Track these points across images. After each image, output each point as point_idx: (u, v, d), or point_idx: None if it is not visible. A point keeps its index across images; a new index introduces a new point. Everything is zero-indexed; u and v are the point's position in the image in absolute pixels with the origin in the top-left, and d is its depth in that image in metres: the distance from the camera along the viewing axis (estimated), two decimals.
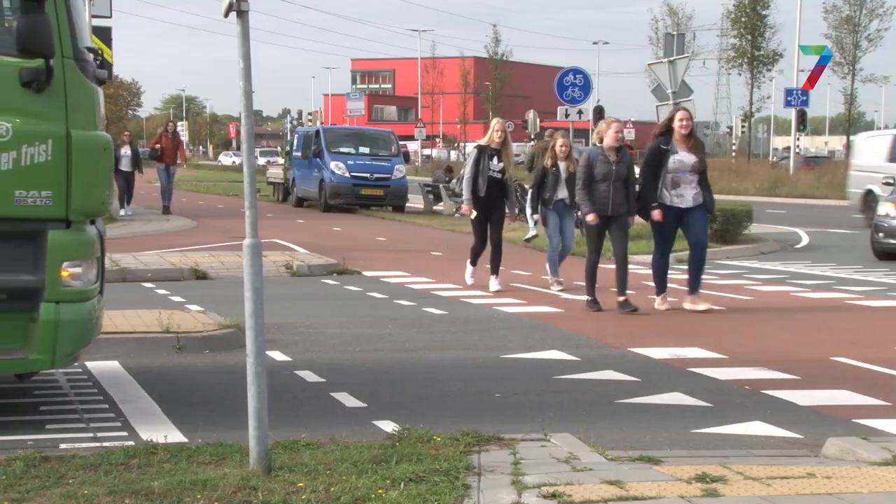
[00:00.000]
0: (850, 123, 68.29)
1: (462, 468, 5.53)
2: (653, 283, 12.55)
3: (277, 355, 9.33)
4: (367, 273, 16.31)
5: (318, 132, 33.83)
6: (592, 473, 5.44)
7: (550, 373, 8.80)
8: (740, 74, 59.59)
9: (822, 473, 5.47)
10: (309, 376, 8.56)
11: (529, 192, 22.15)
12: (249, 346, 5.57)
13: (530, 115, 38.91)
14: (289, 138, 43.19)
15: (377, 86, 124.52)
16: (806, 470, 5.53)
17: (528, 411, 7.45)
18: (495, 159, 13.99)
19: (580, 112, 22.95)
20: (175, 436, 6.58)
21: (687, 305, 12.25)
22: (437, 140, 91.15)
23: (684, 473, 5.44)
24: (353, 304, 13.02)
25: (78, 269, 6.60)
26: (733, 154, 69.53)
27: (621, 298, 12.05)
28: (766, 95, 62.56)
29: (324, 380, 8.45)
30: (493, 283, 14.13)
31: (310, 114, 77.55)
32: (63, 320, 6.54)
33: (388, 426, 6.80)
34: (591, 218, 12.17)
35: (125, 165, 27.31)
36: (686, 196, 12.05)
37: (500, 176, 14.04)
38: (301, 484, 5.29)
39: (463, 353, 9.76)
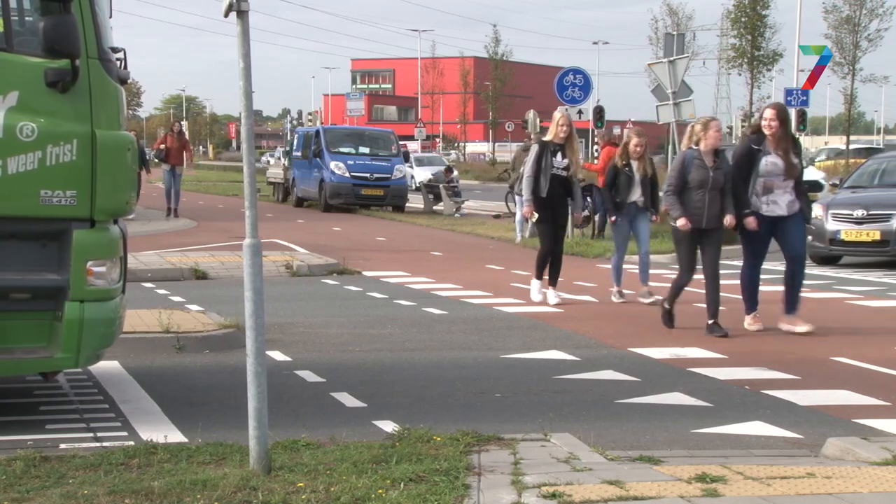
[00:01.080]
0: (850, 123, 68.29)
1: (462, 468, 5.53)
2: (743, 299, 11.24)
3: (277, 355, 9.34)
4: (367, 273, 16.31)
5: (318, 132, 33.84)
6: (592, 473, 5.45)
7: (550, 373, 8.80)
8: (740, 74, 59.58)
9: (822, 473, 5.47)
10: (309, 376, 8.56)
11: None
12: (249, 345, 5.57)
13: (530, 115, 38.89)
14: (289, 138, 43.19)
15: (377, 86, 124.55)
16: (806, 470, 5.54)
17: (528, 411, 7.45)
18: (559, 155, 12.79)
19: (580, 112, 22.94)
20: (175, 436, 6.58)
21: (784, 326, 10.90)
22: (437, 140, 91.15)
23: (684, 473, 5.45)
24: (353, 304, 13.02)
25: (102, 269, 6.66)
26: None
27: (711, 321, 10.75)
28: (766, 95, 62.47)
29: (324, 380, 8.45)
30: (552, 296, 12.95)
31: (310, 114, 77.53)
32: (88, 319, 6.60)
33: (388, 426, 6.81)
34: (682, 223, 10.77)
35: None
36: (780, 203, 10.74)
37: (564, 174, 12.83)
38: (301, 484, 5.29)
39: (463, 353, 9.76)
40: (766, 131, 10.71)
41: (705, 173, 10.75)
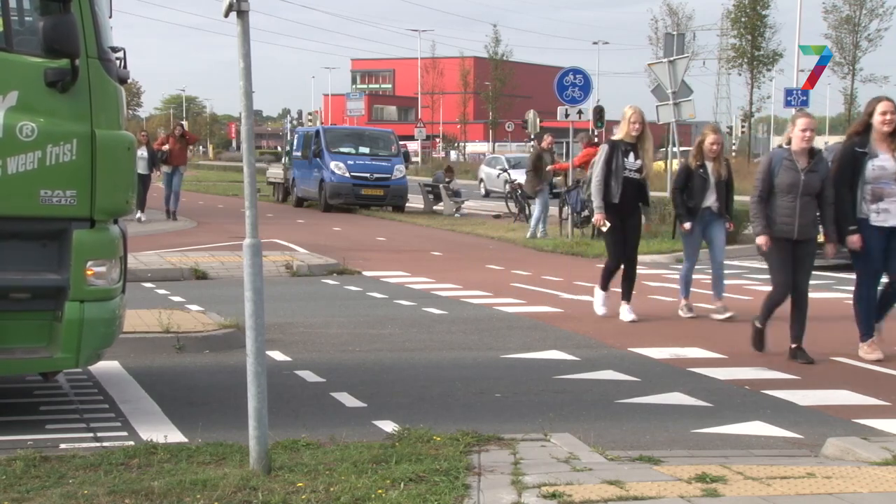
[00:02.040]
0: (850, 123, 68.31)
1: (462, 468, 5.53)
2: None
3: (277, 355, 9.34)
4: (366, 273, 16.31)
5: (317, 132, 33.84)
6: (592, 473, 5.45)
7: (550, 373, 8.80)
8: (740, 74, 59.64)
9: (822, 473, 5.47)
10: (309, 376, 8.56)
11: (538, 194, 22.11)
12: (249, 345, 5.57)
13: (530, 115, 38.86)
14: (289, 138, 43.18)
15: (377, 86, 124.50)
16: (806, 470, 5.54)
17: (528, 411, 7.45)
18: (631, 156, 11.60)
19: (580, 112, 22.91)
20: (175, 436, 6.58)
21: (863, 353, 9.54)
22: (437, 140, 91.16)
23: (684, 473, 5.45)
24: (352, 304, 13.02)
25: (102, 269, 6.66)
26: (733, 154, 69.54)
27: (794, 345, 9.53)
28: (766, 95, 62.77)
29: (324, 380, 8.45)
30: (626, 312, 11.79)
31: (310, 114, 77.49)
32: (88, 319, 6.60)
33: (387, 426, 6.81)
34: (761, 241, 9.51)
35: (141, 168, 25.09)
36: (892, 211, 9.29)
37: (637, 176, 11.65)
38: (301, 484, 5.30)
39: (463, 353, 9.76)
40: (886, 128, 9.24)
41: (795, 176, 9.41)
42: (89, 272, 6.60)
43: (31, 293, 6.61)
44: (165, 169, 27.29)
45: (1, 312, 6.54)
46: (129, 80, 7.17)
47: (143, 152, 25.14)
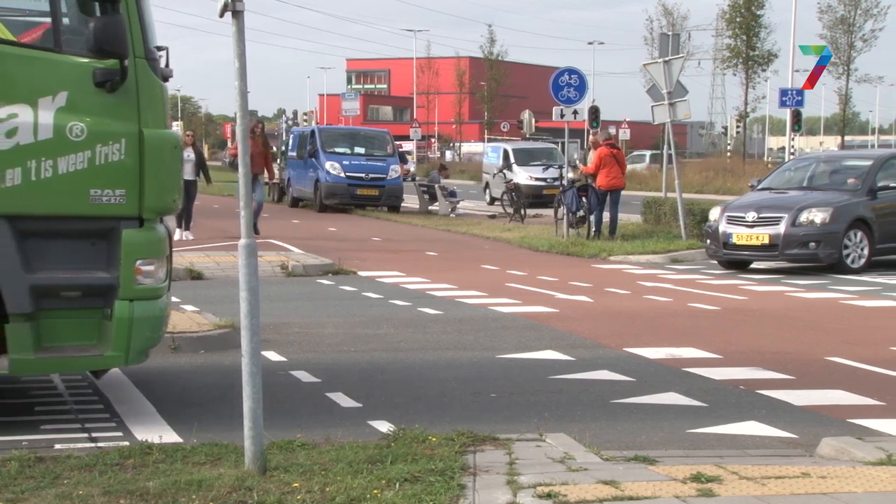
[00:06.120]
0: (845, 124, 68.36)
1: (457, 468, 5.54)
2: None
3: (273, 355, 9.33)
4: (362, 273, 16.31)
5: (313, 132, 33.82)
6: (588, 473, 5.45)
7: (546, 373, 8.81)
8: (735, 75, 59.55)
9: (817, 473, 5.48)
10: (304, 376, 8.56)
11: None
12: (245, 346, 5.57)
13: (525, 115, 38.85)
14: (284, 138, 43.16)
15: (372, 86, 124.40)
16: (801, 470, 5.54)
17: (524, 411, 7.46)
18: None
19: (575, 112, 22.90)
20: (170, 436, 6.58)
21: None
22: (433, 140, 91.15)
23: (679, 473, 5.45)
24: (348, 305, 13.01)
25: (150, 267, 6.72)
26: (728, 154, 69.61)
27: None
28: (760, 95, 62.57)
29: (319, 380, 8.45)
30: None
31: (305, 114, 77.47)
32: (137, 317, 6.66)
33: (383, 426, 6.81)
34: None
35: (187, 173, 21.14)
36: None
37: None
38: (296, 484, 5.29)
39: (458, 353, 9.76)
40: None
41: None
42: (138, 271, 6.67)
43: (82, 292, 6.67)
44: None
45: (52, 311, 6.61)
46: (171, 78, 7.24)
47: (189, 154, 21.27)
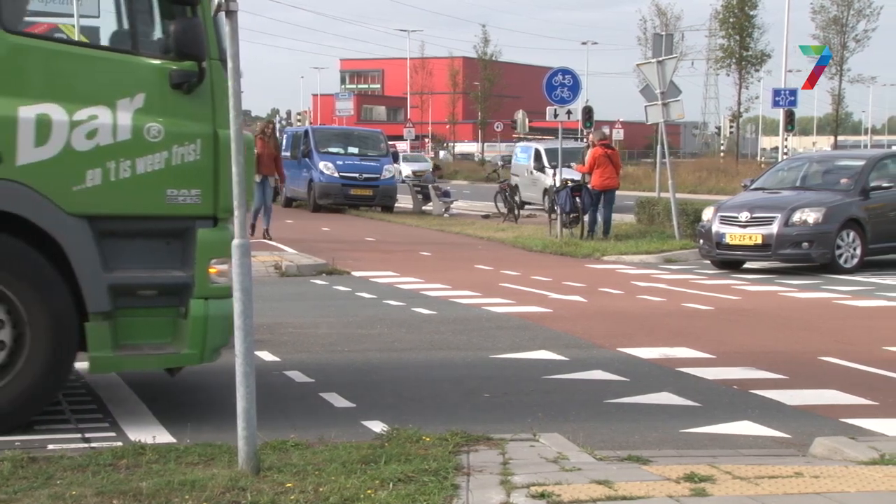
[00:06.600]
0: (838, 124, 68.50)
1: (451, 468, 5.54)
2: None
3: (266, 355, 9.32)
4: (356, 273, 16.30)
5: (306, 132, 33.81)
6: (581, 473, 5.45)
7: (539, 373, 8.81)
8: (728, 75, 59.63)
9: (810, 473, 5.49)
10: (298, 376, 8.55)
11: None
12: (238, 346, 5.57)
13: (519, 115, 38.92)
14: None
15: (366, 86, 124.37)
16: (794, 469, 5.55)
17: (517, 411, 7.46)
18: None
19: (569, 112, 22.92)
20: (164, 436, 6.57)
21: None
22: (427, 140, 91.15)
23: (673, 473, 5.46)
24: (341, 305, 13.01)
25: (224, 266, 6.77)
26: (722, 154, 69.70)
27: None
28: (754, 96, 62.73)
29: (313, 380, 8.44)
30: None
31: (299, 114, 77.48)
32: (211, 316, 6.75)
33: (377, 426, 6.80)
34: None
35: None
36: None
37: None
38: (290, 484, 5.29)
39: (452, 353, 9.76)
40: None
41: None
42: (212, 270, 6.76)
43: (158, 290, 6.77)
44: (256, 178, 21.59)
45: (129, 309, 6.69)
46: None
47: None
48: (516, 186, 30.63)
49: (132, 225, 6.72)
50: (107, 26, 7.28)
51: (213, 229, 6.81)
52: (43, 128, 6.50)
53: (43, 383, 6.68)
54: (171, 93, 6.67)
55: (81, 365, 8.65)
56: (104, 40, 7.29)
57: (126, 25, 6.94)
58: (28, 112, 6.49)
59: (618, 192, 22.46)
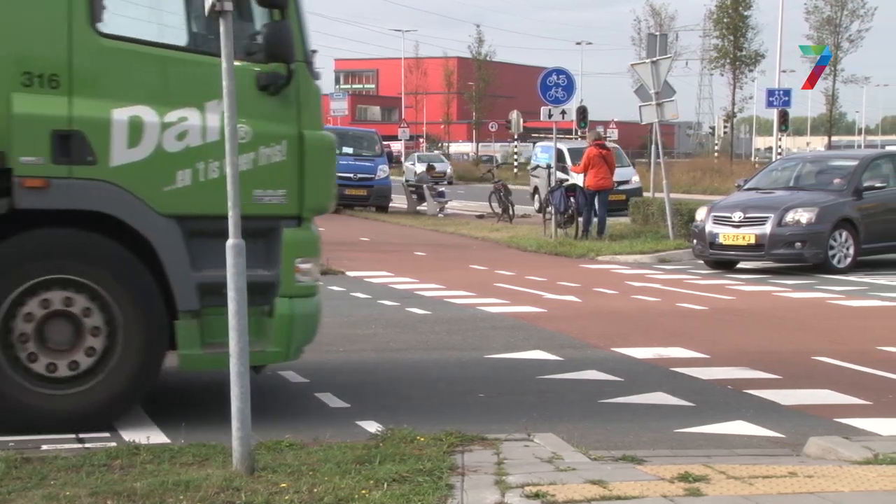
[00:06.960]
0: (832, 124, 68.60)
1: (445, 468, 5.54)
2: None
3: None
4: (350, 273, 16.29)
5: None
6: (576, 473, 5.45)
7: (534, 373, 8.81)
8: (723, 75, 59.68)
9: (804, 472, 5.49)
10: (292, 377, 8.54)
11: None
12: (232, 346, 5.56)
13: (514, 115, 38.89)
14: None
15: (360, 86, 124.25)
16: (788, 469, 5.56)
17: (512, 411, 7.46)
18: None
19: (563, 112, 22.93)
20: (158, 437, 6.56)
21: None
22: (421, 140, 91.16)
23: (667, 473, 5.46)
24: (336, 305, 12.99)
25: (308, 266, 6.94)
26: (716, 154, 69.75)
27: None
28: (748, 96, 62.73)
29: (307, 380, 8.44)
30: None
31: None
32: (297, 314, 6.90)
33: (371, 426, 6.80)
34: None
35: None
36: None
37: None
38: (284, 484, 5.29)
39: (446, 354, 9.76)
40: None
41: None
42: (297, 269, 6.88)
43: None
44: None
45: (215, 308, 6.71)
46: (319, 80, 7.36)
47: None
48: (535, 188, 29.28)
49: (219, 225, 6.65)
50: (195, 29, 7.30)
51: (297, 229, 6.95)
52: (135, 130, 6.61)
53: (133, 384, 6.77)
54: (258, 94, 6.76)
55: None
56: (193, 43, 7.30)
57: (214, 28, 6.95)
58: (121, 114, 6.61)
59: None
